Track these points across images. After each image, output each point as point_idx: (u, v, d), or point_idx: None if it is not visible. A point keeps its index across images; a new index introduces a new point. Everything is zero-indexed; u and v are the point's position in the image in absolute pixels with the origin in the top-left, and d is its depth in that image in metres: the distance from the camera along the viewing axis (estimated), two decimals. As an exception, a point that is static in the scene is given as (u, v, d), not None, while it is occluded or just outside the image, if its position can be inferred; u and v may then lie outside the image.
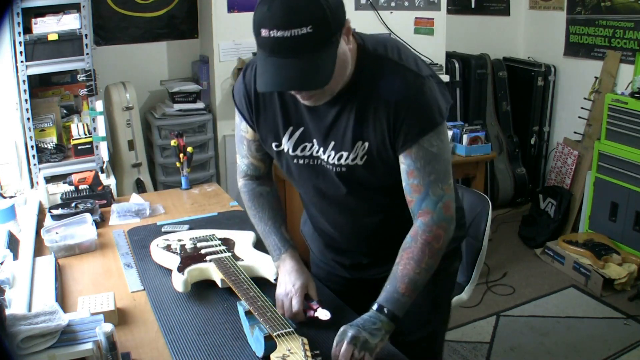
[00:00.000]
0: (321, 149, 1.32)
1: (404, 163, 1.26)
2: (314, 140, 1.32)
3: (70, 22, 2.58)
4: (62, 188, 2.43)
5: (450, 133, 3.14)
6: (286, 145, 1.35)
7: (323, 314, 1.30)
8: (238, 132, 1.47)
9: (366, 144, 1.27)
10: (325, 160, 1.32)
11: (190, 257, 1.61)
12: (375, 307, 1.23)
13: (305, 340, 1.17)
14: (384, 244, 1.40)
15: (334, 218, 1.47)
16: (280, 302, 1.35)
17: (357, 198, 1.37)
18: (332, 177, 1.34)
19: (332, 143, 1.30)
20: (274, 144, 1.37)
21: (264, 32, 1.06)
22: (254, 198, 1.51)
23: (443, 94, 1.26)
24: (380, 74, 1.23)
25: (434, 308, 1.53)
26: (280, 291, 1.37)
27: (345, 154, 1.29)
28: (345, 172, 1.31)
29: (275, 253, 1.44)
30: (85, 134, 2.73)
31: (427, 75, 1.23)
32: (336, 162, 1.31)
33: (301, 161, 1.36)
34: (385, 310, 1.21)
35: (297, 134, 1.33)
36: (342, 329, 1.18)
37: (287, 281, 1.36)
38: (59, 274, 1.67)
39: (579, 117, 3.89)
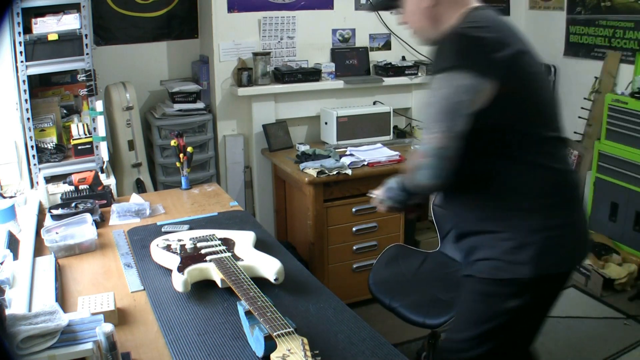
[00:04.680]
0: None
1: None
2: None
3: (70, 22, 2.57)
4: (62, 188, 2.43)
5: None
6: None
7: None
8: None
9: None
10: None
11: (190, 257, 1.61)
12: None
13: (305, 340, 1.17)
14: None
15: None
16: None
17: None
18: None
19: None
20: None
21: None
22: None
23: (465, 54, 1.32)
24: None
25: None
26: None
27: None
28: None
29: None
30: (85, 134, 2.73)
31: (459, 33, 1.36)
32: None
33: None
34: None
35: None
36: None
37: None
38: (59, 274, 1.67)
39: (579, 117, 3.89)
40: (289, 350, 1.14)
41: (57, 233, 1.88)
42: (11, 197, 2.31)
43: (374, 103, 3.50)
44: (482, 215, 1.46)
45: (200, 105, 3.26)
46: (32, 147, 2.60)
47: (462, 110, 1.30)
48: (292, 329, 1.21)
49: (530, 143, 1.39)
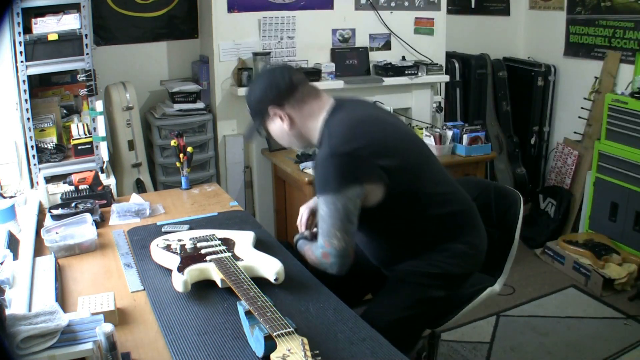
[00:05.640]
0: None
1: None
2: None
3: (70, 22, 2.57)
4: (62, 188, 2.43)
5: (450, 133, 3.14)
6: None
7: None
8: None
9: None
10: None
11: (190, 257, 1.61)
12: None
13: (305, 340, 1.17)
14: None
15: None
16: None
17: None
18: None
19: None
20: None
21: None
22: None
23: (347, 172, 1.52)
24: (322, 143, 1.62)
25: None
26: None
27: None
28: None
29: None
30: (85, 134, 2.73)
31: (335, 154, 1.53)
32: None
33: None
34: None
35: None
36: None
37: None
38: (59, 274, 1.67)
39: (579, 117, 3.90)
40: (289, 350, 1.14)
41: (57, 233, 1.88)
42: (11, 197, 2.31)
43: (374, 103, 3.49)
44: (403, 252, 1.74)
45: (200, 105, 3.26)
46: (32, 147, 2.60)
47: (354, 214, 1.55)
48: (292, 329, 1.21)
49: (428, 203, 1.66)
